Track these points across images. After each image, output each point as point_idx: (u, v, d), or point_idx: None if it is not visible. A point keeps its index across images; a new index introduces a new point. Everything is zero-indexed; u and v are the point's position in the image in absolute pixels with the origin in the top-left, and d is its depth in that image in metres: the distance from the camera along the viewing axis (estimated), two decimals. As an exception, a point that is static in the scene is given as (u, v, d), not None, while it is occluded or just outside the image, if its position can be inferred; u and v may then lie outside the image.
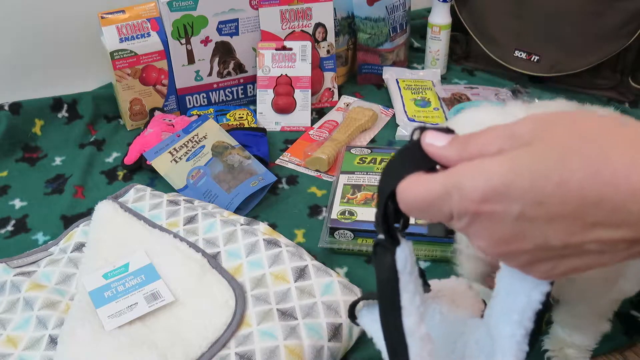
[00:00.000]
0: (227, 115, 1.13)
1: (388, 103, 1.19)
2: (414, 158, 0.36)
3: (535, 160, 0.31)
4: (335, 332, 0.67)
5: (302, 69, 1.13)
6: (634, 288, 0.59)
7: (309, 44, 1.14)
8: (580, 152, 0.31)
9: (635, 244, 0.32)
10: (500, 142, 0.33)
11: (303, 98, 1.13)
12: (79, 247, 0.81)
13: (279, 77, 1.14)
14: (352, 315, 0.46)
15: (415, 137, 0.36)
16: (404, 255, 0.38)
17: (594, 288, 0.56)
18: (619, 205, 0.30)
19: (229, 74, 1.17)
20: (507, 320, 0.39)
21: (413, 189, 0.35)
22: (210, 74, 1.15)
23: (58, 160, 1.07)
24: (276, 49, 1.14)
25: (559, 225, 0.32)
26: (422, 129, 0.36)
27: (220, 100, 1.19)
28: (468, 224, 0.34)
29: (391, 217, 0.37)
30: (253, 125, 1.11)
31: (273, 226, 0.89)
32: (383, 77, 1.24)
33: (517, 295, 0.38)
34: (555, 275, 0.35)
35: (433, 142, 0.36)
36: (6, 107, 1.09)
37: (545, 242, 0.33)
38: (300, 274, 0.72)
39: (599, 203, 0.30)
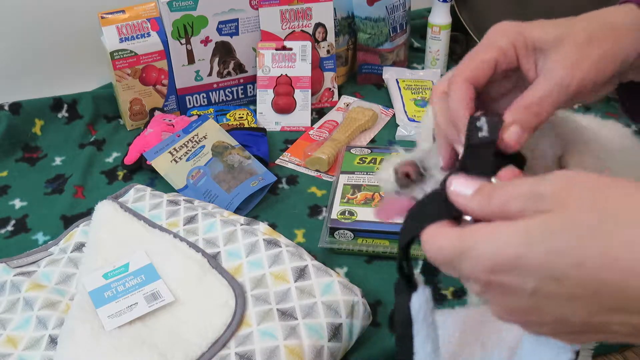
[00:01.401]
0: (227, 115, 1.13)
1: (388, 103, 1.19)
2: (439, 204, 0.36)
3: (552, 234, 0.30)
4: (335, 332, 0.67)
5: (302, 69, 1.13)
6: None
7: (309, 44, 1.14)
8: (600, 233, 0.29)
9: None
10: (523, 201, 0.32)
11: (303, 98, 1.13)
12: (79, 247, 0.81)
13: (279, 77, 1.14)
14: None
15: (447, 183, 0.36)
16: (419, 302, 0.38)
17: None
18: (634, 295, 0.29)
19: (229, 74, 1.17)
20: None
21: (431, 242, 0.34)
22: (210, 74, 1.15)
23: (58, 160, 1.07)
24: (276, 49, 1.14)
25: (578, 304, 0.30)
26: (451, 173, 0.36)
27: (220, 100, 1.19)
28: (481, 290, 0.33)
29: (410, 262, 0.37)
30: (253, 125, 1.11)
31: (273, 226, 0.89)
32: (383, 77, 1.24)
33: (543, 356, 0.37)
34: (574, 341, 0.34)
35: (459, 191, 0.35)
36: (6, 107, 1.09)
37: (564, 319, 0.32)
38: (300, 274, 0.72)
39: (619, 290, 0.29)
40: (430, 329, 0.39)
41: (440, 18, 1.23)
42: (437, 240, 0.34)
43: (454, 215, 0.35)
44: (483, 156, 0.37)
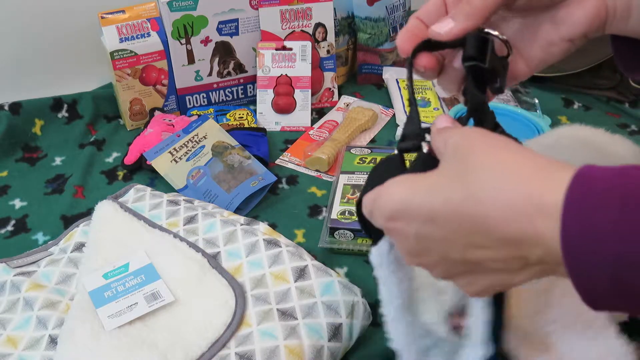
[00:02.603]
0: (227, 115, 1.13)
1: (388, 103, 1.19)
2: (390, 168, 0.41)
3: (430, 183, 0.36)
4: (335, 332, 0.67)
5: (302, 69, 1.13)
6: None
7: (309, 44, 1.14)
8: (465, 176, 0.34)
9: (530, 264, 0.33)
10: (439, 146, 0.38)
11: (303, 98, 1.13)
12: (79, 247, 0.81)
13: (279, 77, 1.14)
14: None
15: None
16: (378, 253, 0.42)
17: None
18: (493, 225, 0.33)
19: (229, 74, 1.17)
20: None
21: (364, 201, 0.40)
22: (210, 74, 1.15)
23: (58, 160, 1.07)
24: (276, 49, 1.14)
25: (452, 240, 0.35)
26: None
27: (220, 100, 1.19)
28: (388, 236, 0.39)
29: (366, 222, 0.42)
30: (253, 125, 1.11)
31: (273, 226, 0.89)
32: (383, 77, 1.24)
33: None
34: (481, 292, 0.37)
35: (438, 125, 0.40)
36: (6, 107, 1.09)
37: (448, 257, 0.36)
38: (300, 274, 0.72)
39: (480, 222, 0.33)
40: (392, 277, 0.43)
41: (440, 18, 1.23)
42: (366, 196, 0.40)
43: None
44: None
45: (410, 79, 0.45)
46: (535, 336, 0.45)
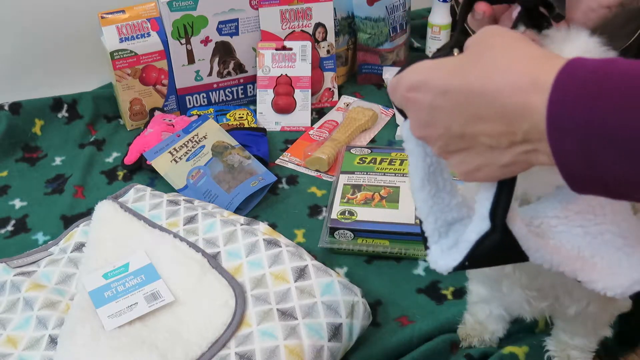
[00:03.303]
0: (227, 115, 1.13)
1: (388, 103, 1.19)
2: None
3: (453, 61, 0.41)
4: (335, 332, 0.67)
5: (302, 69, 1.13)
6: (628, 303, 0.60)
7: (309, 44, 1.14)
8: (482, 57, 0.39)
9: (516, 142, 0.38)
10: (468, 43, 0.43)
11: (303, 98, 1.13)
12: (79, 247, 0.81)
13: (279, 77, 1.14)
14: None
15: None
16: (406, 127, 0.46)
17: (591, 309, 0.56)
18: (496, 96, 0.37)
19: (229, 74, 1.17)
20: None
21: (392, 79, 0.45)
22: (210, 74, 1.15)
23: (58, 160, 1.07)
24: (276, 49, 1.14)
25: (457, 114, 0.40)
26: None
27: (220, 100, 1.19)
28: (404, 107, 0.44)
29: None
30: (253, 125, 1.11)
31: (273, 226, 0.89)
32: (383, 77, 1.24)
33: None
34: (470, 172, 0.42)
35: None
36: (6, 107, 1.09)
37: (449, 129, 0.41)
38: (300, 274, 0.72)
39: (481, 94, 0.38)
40: (417, 149, 0.47)
41: (440, 18, 1.23)
42: (393, 77, 0.45)
43: None
44: None
45: (464, 12, 0.51)
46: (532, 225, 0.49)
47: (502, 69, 0.38)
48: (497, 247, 0.44)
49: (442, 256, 0.48)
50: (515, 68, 0.37)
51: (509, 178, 0.42)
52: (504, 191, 0.43)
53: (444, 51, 0.46)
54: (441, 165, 0.48)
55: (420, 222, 0.50)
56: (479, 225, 0.44)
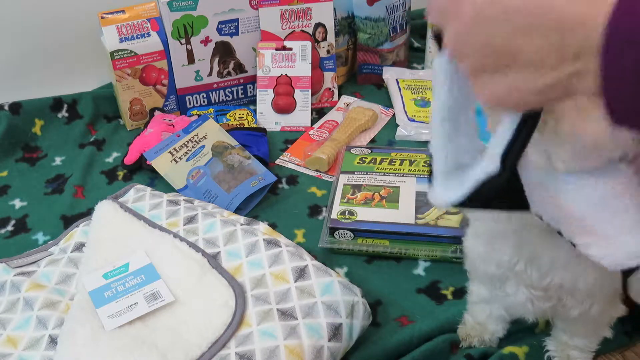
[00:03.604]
0: (227, 115, 1.13)
1: (388, 103, 1.19)
2: None
3: None
4: (335, 332, 0.67)
5: (302, 69, 1.13)
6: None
7: (309, 44, 1.14)
8: None
9: (565, 60, 0.35)
10: None
11: (303, 98, 1.13)
12: (79, 247, 0.81)
13: (279, 77, 1.14)
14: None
15: None
16: (439, 61, 0.44)
17: (593, 311, 0.57)
18: (554, 4, 0.34)
19: (229, 74, 1.17)
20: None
21: None
22: (210, 74, 1.15)
23: (58, 160, 1.07)
24: (276, 49, 1.14)
25: (504, 24, 0.36)
26: None
27: (220, 100, 1.19)
28: (446, 18, 0.40)
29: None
30: (253, 125, 1.11)
31: (273, 226, 0.89)
32: (383, 77, 1.24)
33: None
34: (496, 95, 0.39)
35: None
36: (6, 107, 1.09)
37: (492, 41, 0.37)
38: (300, 274, 0.72)
39: (539, 3, 0.34)
40: (446, 83, 0.45)
41: (440, 18, 1.23)
42: None
43: None
44: None
45: None
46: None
47: None
48: (501, 190, 0.42)
49: (444, 191, 0.46)
50: None
51: (531, 118, 0.40)
52: (522, 132, 0.40)
53: None
54: (468, 101, 0.46)
55: (431, 156, 0.48)
56: (488, 164, 0.42)
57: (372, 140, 1.09)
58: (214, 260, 0.74)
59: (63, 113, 1.14)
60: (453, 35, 0.40)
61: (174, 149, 0.98)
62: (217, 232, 0.78)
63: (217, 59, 1.14)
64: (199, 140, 0.99)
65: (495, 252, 0.56)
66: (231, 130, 1.05)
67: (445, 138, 0.46)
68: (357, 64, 1.27)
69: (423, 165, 0.93)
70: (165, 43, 1.09)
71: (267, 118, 1.14)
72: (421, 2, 1.44)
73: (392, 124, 1.13)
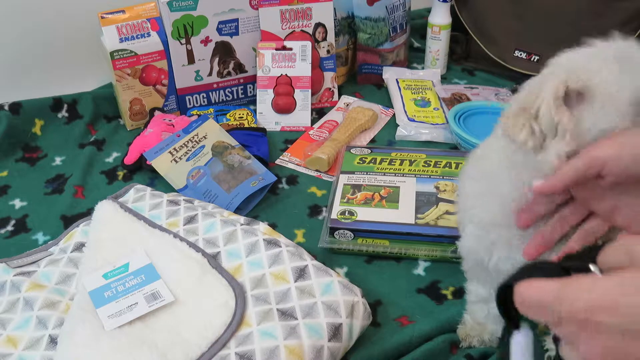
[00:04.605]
0: (227, 115, 1.13)
1: (388, 103, 1.19)
2: (546, 270, 0.40)
3: (636, 285, 0.35)
4: (335, 332, 0.67)
5: (302, 69, 1.13)
6: None
7: (309, 44, 1.14)
8: None
9: None
10: (621, 256, 0.38)
11: (303, 98, 1.13)
12: (79, 247, 0.81)
13: (279, 77, 1.14)
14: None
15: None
16: (521, 341, 0.42)
17: None
18: None
19: (229, 74, 1.17)
20: None
21: (530, 288, 0.39)
22: (210, 74, 1.15)
23: (58, 160, 1.07)
24: (276, 49, 1.14)
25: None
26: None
27: (220, 100, 1.19)
28: (572, 331, 0.37)
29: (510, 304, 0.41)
30: (253, 125, 1.11)
31: (273, 226, 0.89)
32: (383, 77, 1.24)
33: None
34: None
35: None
36: (6, 107, 1.09)
37: (622, 352, 0.36)
38: (300, 273, 0.72)
39: None
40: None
41: (440, 18, 1.23)
42: (537, 286, 0.39)
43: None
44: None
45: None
46: None
47: None
48: None
49: None
50: None
51: None
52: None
53: (578, 261, 0.41)
54: None
55: None
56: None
57: (372, 140, 1.09)
58: (214, 260, 0.74)
59: (63, 113, 1.14)
60: (599, 349, 0.37)
61: (174, 149, 0.98)
62: (217, 232, 0.78)
63: (217, 59, 1.14)
64: (199, 140, 0.99)
65: (491, 253, 0.57)
66: (231, 130, 1.05)
67: None
68: (357, 64, 1.27)
69: (423, 165, 0.93)
70: (165, 43, 1.09)
71: (267, 118, 1.14)
72: (421, 2, 1.44)
73: (392, 124, 1.13)
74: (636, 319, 0.35)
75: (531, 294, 0.39)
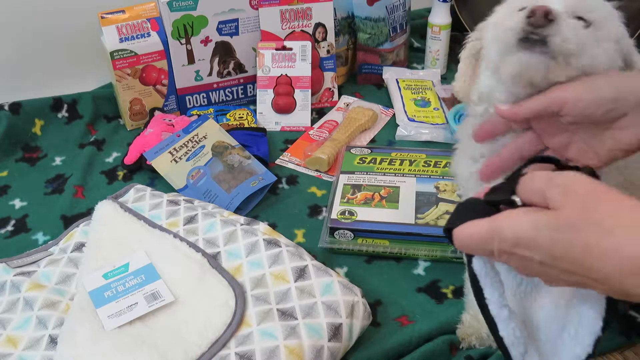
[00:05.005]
0: (227, 115, 1.13)
1: (388, 103, 1.19)
2: (476, 209, 0.47)
3: (554, 226, 0.42)
4: (335, 332, 0.67)
5: (302, 69, 1.13)
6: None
7: (309, 44, 1.14)
8: (585, 232, 0.41)
9: (593, 287, 0.44)
10: (538, 197, 0.44)
11: (303, 98, 1.13)
12: (79, 247, 0.81)
13: (279, 77, 1.14)
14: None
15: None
16: (479, 264, 0.49)
17: None
18: (605, 281, 0.41)
19: (229, 74, 1.17)
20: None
21: (463, 233, 0.47)
22: (210, 74, 1.15)
23: (58, 160, 1.07)
24: (276, 49, 1.14)
25: (566, 273, 0.43)
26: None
27: (220, 100, 1.19)
28: (506, 260, 0.46)
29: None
30: (253, 125, 1.11)
31: (273, 226, 0.89)
32: (383, 77, 1.24)
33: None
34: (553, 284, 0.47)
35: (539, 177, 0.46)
36: (6, 107, 1.09)
37: (546, 273, 0.45)
38: (300, 274, 0.72)
39: (589, 269, 0.42)
40: (493, 280, 0.50)
41: (440, 18, 1.23)
42: (470, 228, 0.46)
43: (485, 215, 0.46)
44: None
45: None
46: None
47: (611, 251, 0.40)
48: None
49: None
50: (627, 251, 0.40)
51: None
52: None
53: (501, 194, 0.47)
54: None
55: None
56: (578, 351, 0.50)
57: (372, 140, 1.09)
58: (214, 260, 0.74)
59: (63, 113, 1.14)
60: (526, 272, 0.46)
61: (174, 149, 0.98)
62: (217, 232, 0.78)
63: (217, 59, 1.14)
64: (199, 140, 0.99)
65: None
66: (231, 130, 1.05)
67: (510, 316, 0.51)
68: (357, 64, 1.27)
69: (423, 165, 0.93)
70: (165, 43, 1.09)
71: (267, 118, 1.14)
72: (421, 2, 1.44)
73: (392, 124, 1.13)
74: (548, 253, 0.43)
75: (464, 238, 0.47)
